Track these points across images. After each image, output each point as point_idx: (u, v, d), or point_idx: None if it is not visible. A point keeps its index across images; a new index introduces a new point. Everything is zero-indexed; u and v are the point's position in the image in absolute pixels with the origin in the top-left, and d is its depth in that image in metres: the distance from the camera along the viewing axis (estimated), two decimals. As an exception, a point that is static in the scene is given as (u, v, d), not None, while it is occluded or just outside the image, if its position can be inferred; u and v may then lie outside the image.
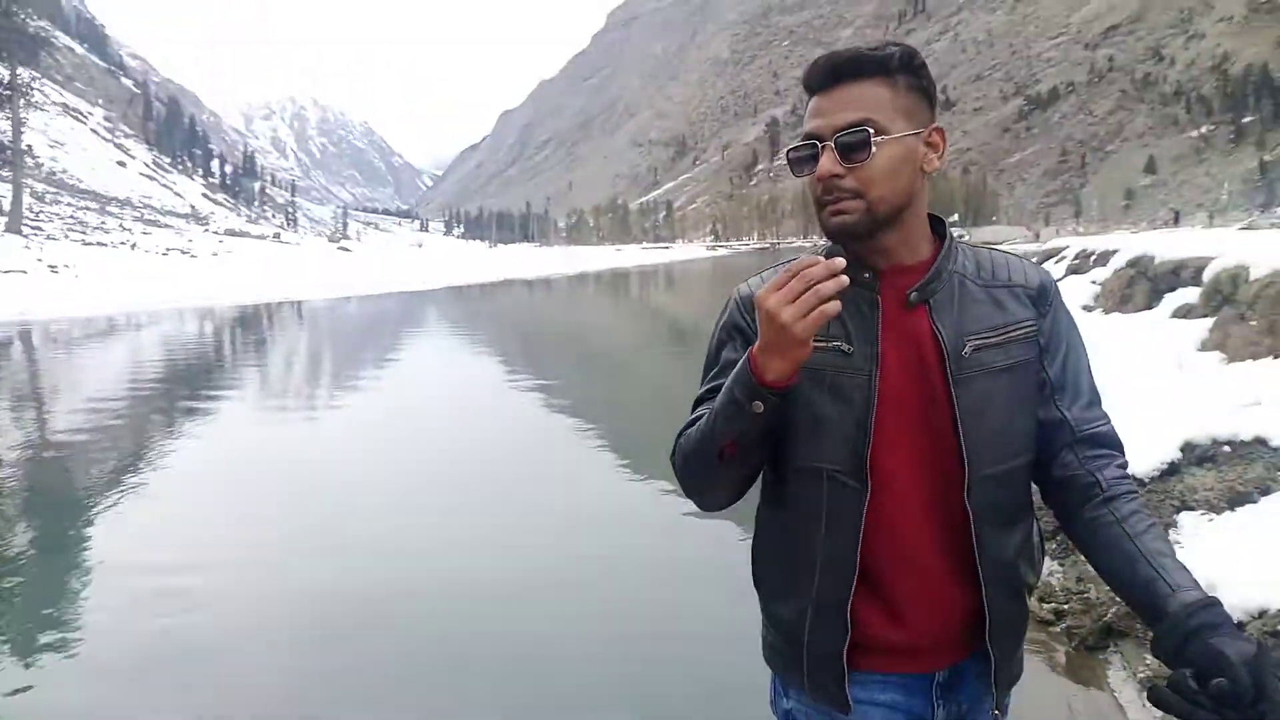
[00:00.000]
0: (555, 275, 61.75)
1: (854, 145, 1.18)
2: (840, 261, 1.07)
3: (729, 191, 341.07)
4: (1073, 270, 15.08)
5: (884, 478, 1.24)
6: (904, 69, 1.23)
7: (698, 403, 1.32)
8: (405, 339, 22.05)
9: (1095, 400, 1.33)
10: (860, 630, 1.29)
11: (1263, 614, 3.12)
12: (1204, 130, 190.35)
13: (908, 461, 1.25)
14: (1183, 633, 1.06)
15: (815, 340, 1.17)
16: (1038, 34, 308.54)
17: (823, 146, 1.21)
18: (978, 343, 1.24)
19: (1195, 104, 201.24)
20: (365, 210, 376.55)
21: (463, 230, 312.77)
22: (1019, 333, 1.27)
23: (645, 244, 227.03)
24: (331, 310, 31.70)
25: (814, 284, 1.06)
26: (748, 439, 1.20)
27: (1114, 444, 1.31)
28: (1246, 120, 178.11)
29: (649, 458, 7.36)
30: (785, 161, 1.33)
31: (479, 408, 11.18)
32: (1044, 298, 1.30)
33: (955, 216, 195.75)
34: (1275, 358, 5.98)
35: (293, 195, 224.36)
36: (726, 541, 5.19)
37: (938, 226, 1.33)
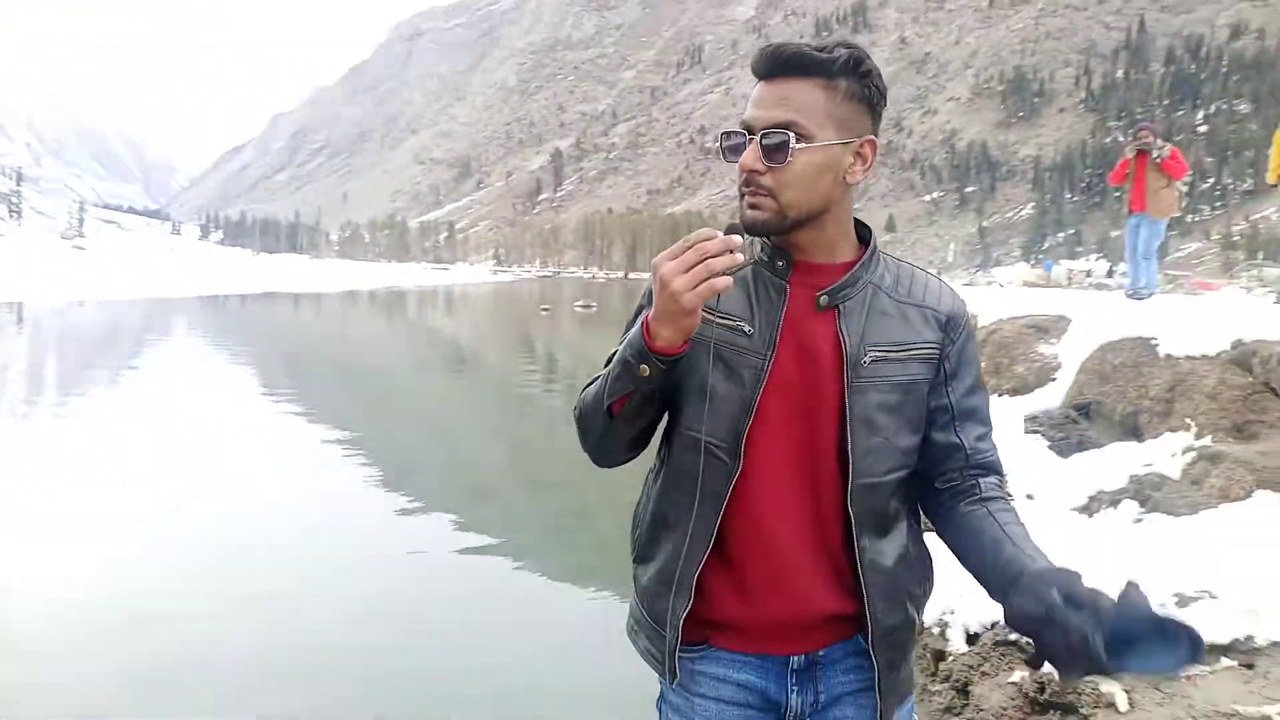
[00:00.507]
0: (325, 292, 58.73)
1: (774, 147, 1.20)
2: (736, 240, 1.09)
3: (512, 217, 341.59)
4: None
5: (756, 459, 1.26)
6: (847, 73, 1.22)
7: (607, 361, 1.31)
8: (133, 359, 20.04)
9: (989, 432, 1.36)
10: (708, 604, 1.32)
11: (993, 625, 3.57)
12: (934, 196, 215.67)
13: (783, 450, 1.27)
14: (1049, 579, 1.08)
15: (719, 317, 1.25)
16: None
17: (749, 139, 1.22)
18: (878, 355, 1.26)
19: (928, 171, 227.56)
20: (108, 207, 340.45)
21: (222, 236, 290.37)
22: (920, 352, 1.29)
23: (426, 264, 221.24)
24: (58, 317, 28.31)
25: (707, 257, 1.08)
26: (634, 400, 1.23)
27: (999, 470, 1.35)
28: (969, 189, 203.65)
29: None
30: (715, 144, 1.34)
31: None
32: (954, 325, 1.32)
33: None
34: (997, 395, 6.84)
35: (17, 184, 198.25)
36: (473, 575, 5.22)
37: (866, 234, 1.35)
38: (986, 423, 1.35)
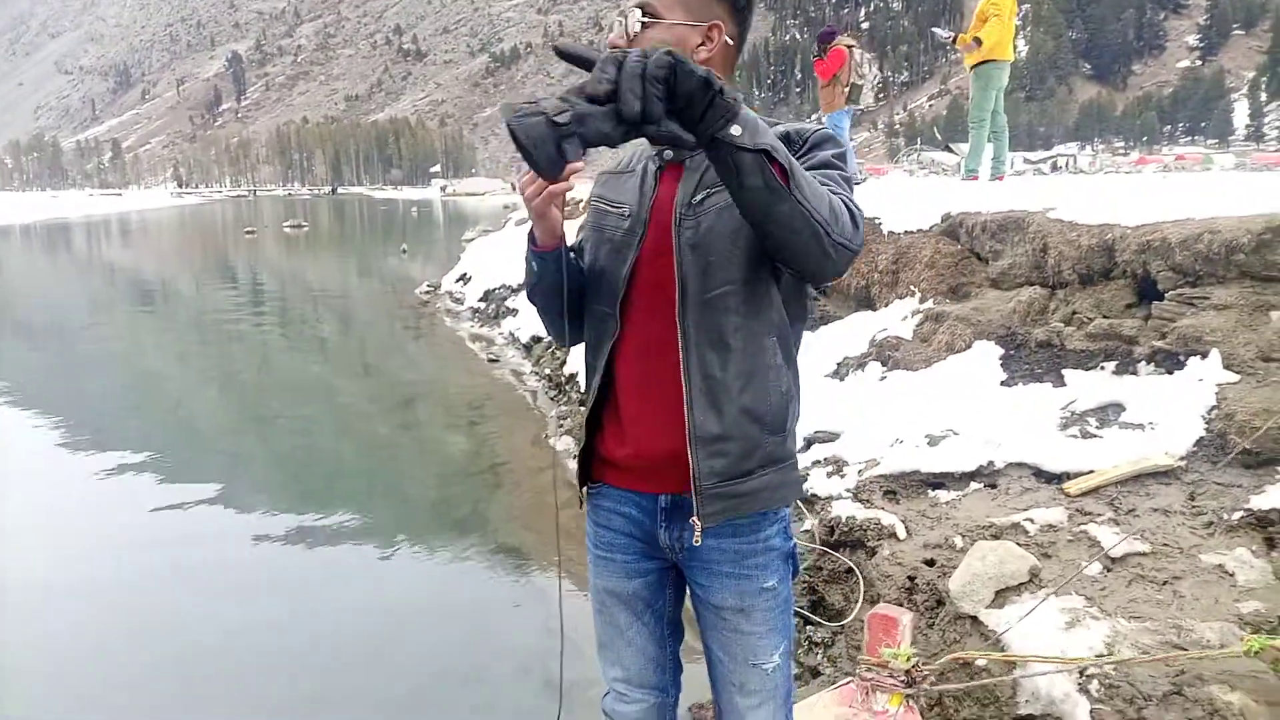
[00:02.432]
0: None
1: (629, 23, 1.39)
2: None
3: (191, 132, 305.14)
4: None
5: (634, 318, 1.47)
6: None
7: None
8: None
9: (848, 195, 1.35)
10: (601, 443, 1.56)
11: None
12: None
13: (650, 303, 1.45)
14: None
15: (609, 206, 1.53)
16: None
17: (624, 18, 1.41)
18: (711, 189, 1.38)
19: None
20: None
21: None
22: None
23: (91, 191, 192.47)
24: None
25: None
26: (541, 288, 1.51)
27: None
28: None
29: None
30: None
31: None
32: (791, 140, 1.40)
33: (437, 167, 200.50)
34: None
35: None
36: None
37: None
38: (841, 188, 1.35)
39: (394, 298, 16.22)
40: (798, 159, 1.30)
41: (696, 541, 1.44)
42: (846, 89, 8.83)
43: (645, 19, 1.37)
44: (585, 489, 1.64)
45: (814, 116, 10.10)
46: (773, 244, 1.27)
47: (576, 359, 7.55)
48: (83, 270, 24.46)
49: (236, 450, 6.96)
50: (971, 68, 7.74)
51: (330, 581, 4.45)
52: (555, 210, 1.41)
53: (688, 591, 1.64)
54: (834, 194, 1.27)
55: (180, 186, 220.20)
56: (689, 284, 1.39)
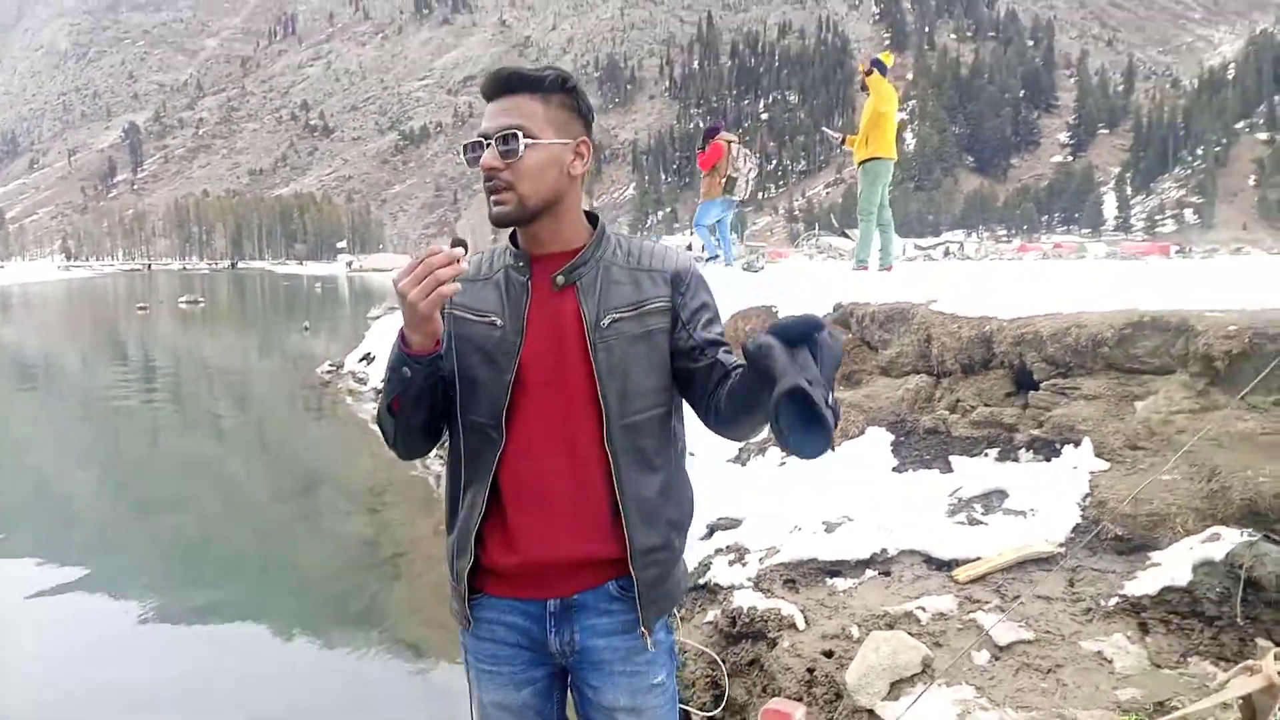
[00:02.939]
0: None
1: (508, 145, 1.43)
2: (458, 251, 1.30)
3: (83, 203, 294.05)
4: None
5: (518, 430, 1.49)
6: (556, 89, 1.48)
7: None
8: None
9: (729, 346, 1.54)
10: (486, 555, 1.54)
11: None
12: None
13: (541, 416, 1.49)
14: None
15: (474, 315, 1.51)
16: (406, 74, 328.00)
17: (487, 144, 1.45)
18: (616, 315, 1.49)
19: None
20: None
21: None
22: (654, 306, 1.52)
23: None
24: None
25: (434, 270, 1.29)
26: (408, 397, 1.44)
27: (730, 350, 1.54)
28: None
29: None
30: (460, 154, 1.53)
31: None
32: (680, 279, 1.55)
33: (343, 243, 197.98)
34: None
35: None
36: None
37: (595, 221, 1.58)
38: (726, 340, 1.57)
39: (294, 377, 15.77)
40: (683, 297, 1.54)
41: (652, 647, 1.56)
42: (723, 180, 9.39)
43: (526, 140, 1.43)
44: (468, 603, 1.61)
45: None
46: (726, 419, 1.45)
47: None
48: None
49: (119, 535, 6.61)
50: (860, 164, 8.18)
51: (219, 679, 4.20)
52: (438, 313, 1.40)
53: (569, 697, 1.67)
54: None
55: (69, 259, 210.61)
56: (611, 408, 1.47)
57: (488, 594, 1.57)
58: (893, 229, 8.42)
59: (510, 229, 1.55)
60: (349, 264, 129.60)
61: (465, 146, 1.49)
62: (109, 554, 5.99)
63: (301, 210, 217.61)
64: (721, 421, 1.48)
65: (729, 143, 9.56)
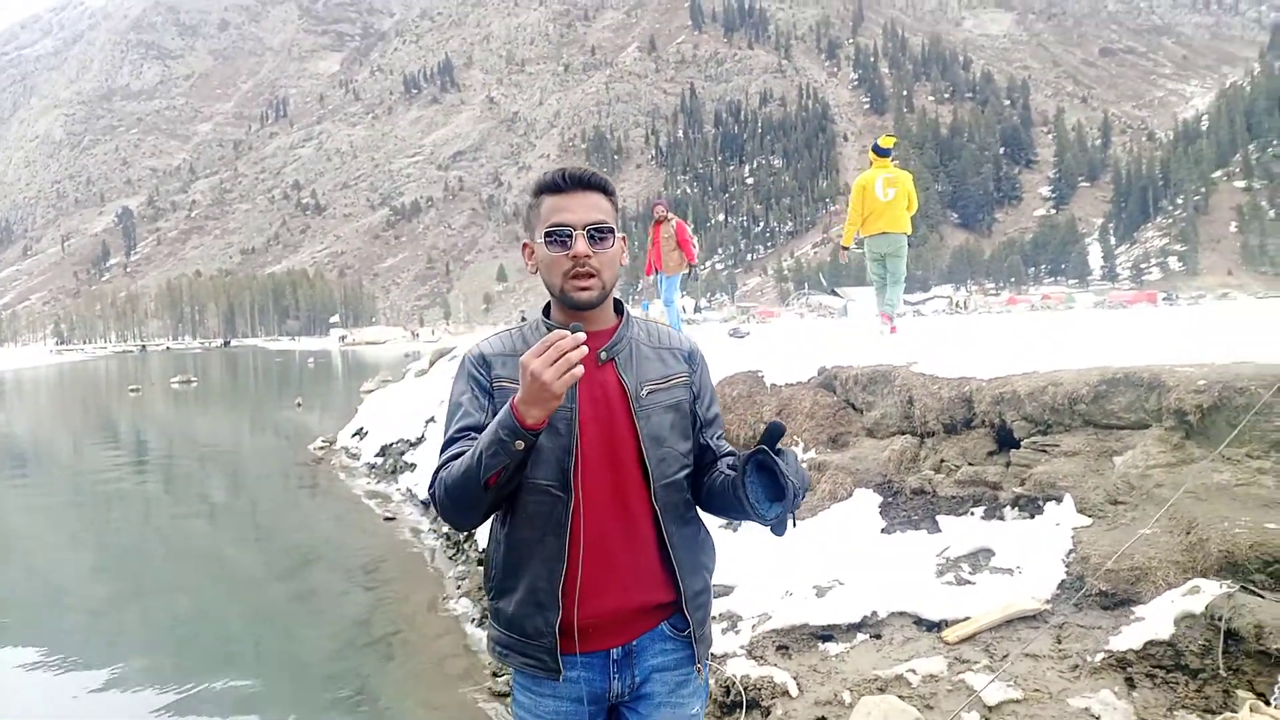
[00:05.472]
0: None
1: (603, 235, 1.64)
2: (584, 335, 1.42)
3: (75, 288, 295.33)
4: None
5: (584, 490, 1.62)
6: (613, 192, 1.71)
7: (449, 443, 1.65)
8: None
9: (722, 431, 1.84)
10: (564, 612, 1.63)
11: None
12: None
13: (599, 476, 1.64)
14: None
15: None
16: (396, 151, 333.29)
17: (575, 234, 1.62)
18: (651, 387, 1.70)
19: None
20: None
21: None
22: (678, 381, 1.75)
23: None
24: None
25: (565, 353, 1.40)
26: (509, 471, 1.52)
27: (730, 452, 1.78)
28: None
29: None
30: (542, 241, 1.67)
31: None
32: (694, 357, 1.82)
33: (336, 317, 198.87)
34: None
35: None
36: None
37: (619, 305, 1.78)
38: (721, 424, 1.85)
39: (287, 454, 15.73)
40: (696, 375, 1.80)
41: (701, 681, 1.77)
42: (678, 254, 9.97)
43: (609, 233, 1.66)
44: (525, 667, 1.70)
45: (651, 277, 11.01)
46: (704, 504, 1.75)
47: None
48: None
49: (110, 620, 6.55)
50: (858, 246, 8.33)
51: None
52: None
53: None
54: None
55: (61, 342, 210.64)
56: (654, 469, 1.66)
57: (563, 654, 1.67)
58: (900, 288, 8.39)
59: (546, 306, 1.76)
60: (342, 338, 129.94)
61: (547, 234, 1.64)
62: (99, 639, 5.95)
63: (294, 286, 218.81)
64: (701, 502, 1.76)
65: (663, 220, 10.26)
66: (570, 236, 1.63)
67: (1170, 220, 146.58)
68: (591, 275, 1.65)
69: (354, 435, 14.81)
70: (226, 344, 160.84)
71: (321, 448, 14.98)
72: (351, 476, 12.36)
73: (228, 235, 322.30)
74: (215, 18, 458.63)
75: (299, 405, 25.88)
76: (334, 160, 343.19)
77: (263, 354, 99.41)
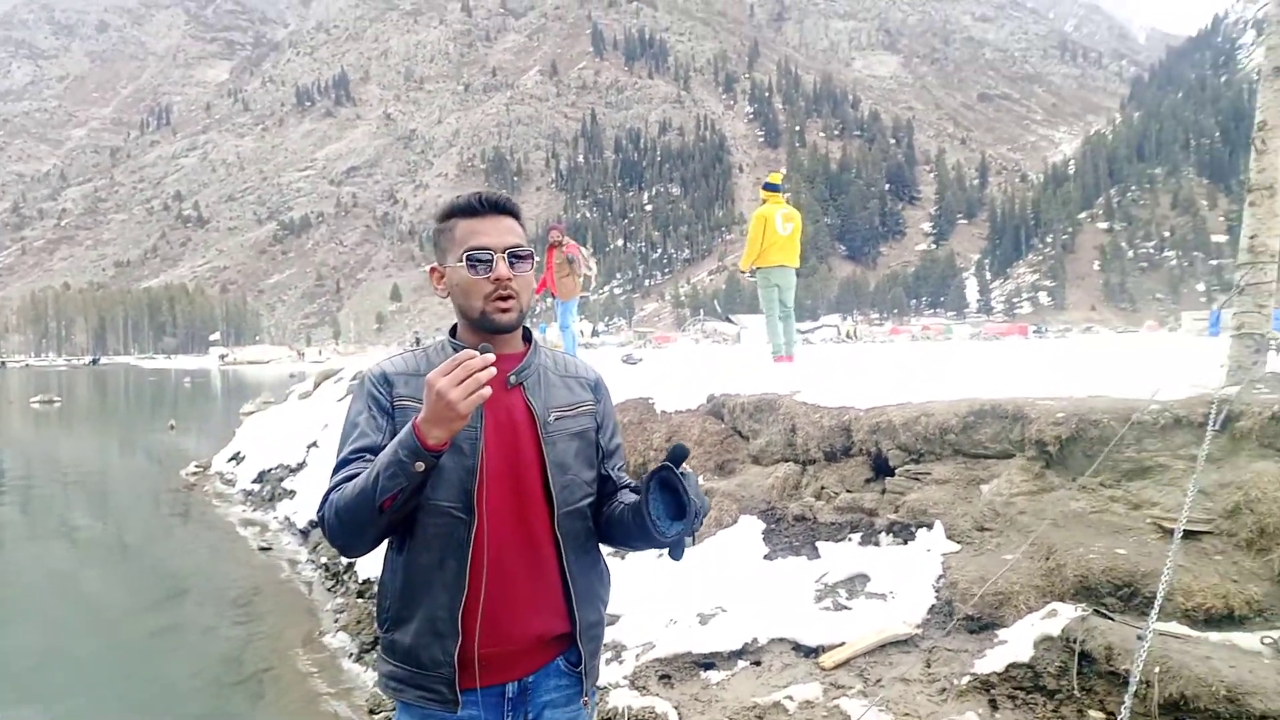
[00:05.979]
0: None
1: (522, 259, 1.65)
2: (493, 356, 1.42)
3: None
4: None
5: (487, 512, 1.58)
6: (521, 219, 1.73)
7: (342, 464, 1.58)
8: None
9: (623, 463, 1.84)
10: (465, 640, 1.57)
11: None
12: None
13: (502, 499, 1.60)
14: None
15: None
16: (287, 164, 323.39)
17: (496, 257, 1.62)
18: (558, 414, 1.69)
19: (426, 243, 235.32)
20: None
21: None
22: (584, 409, 1.74)
23: None
24: None
25: (473, 373, 1.39)
26: (406, 493, 1.47)
27: (628, 484, 1.77)
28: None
29: None
30: (461, 264, 1.64)
31: None
32: (599, 387, 1.81)
33: (217, 335, 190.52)
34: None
35: None
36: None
37: (528, 332, 1.77)
38: (622, 456, 1.85)
39: (157, 479, 14.89)
40: (600, 405, 1.78)
41: (589, 713, 1.73)
42: (580, 279, 9.96)
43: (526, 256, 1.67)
44: (423, 702, 1.61)
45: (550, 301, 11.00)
46: (604, 535, 1.73)
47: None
48: None
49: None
50: (750, 274, 8.50)
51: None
52: None
53: None
54: None
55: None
56: (558, 496, 1.63)
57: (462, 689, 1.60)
58: (793, 322, 8.58)
59: (453, 328, 1.75)
60: (222, 356, 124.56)
61: (468, 257, 1.62)
62: None
63: (172, 302, 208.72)
64: (599, 532, 1.75)
65: (556, 244, 10.21)
66: (491, 261, 1.63)
67: (1040, 257, 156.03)
68: (511, 297, 1.64)
69: (230, 460, 14.16)
70: (95, 361, 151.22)
71: (195, 473, 14.26)
72: (226, 504, 11.80)
73: (101, 246, 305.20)
74: (94, 18, 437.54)
75: (172, 428, 24.57)
76: (219, 171, 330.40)
77: (136, 372, 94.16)
